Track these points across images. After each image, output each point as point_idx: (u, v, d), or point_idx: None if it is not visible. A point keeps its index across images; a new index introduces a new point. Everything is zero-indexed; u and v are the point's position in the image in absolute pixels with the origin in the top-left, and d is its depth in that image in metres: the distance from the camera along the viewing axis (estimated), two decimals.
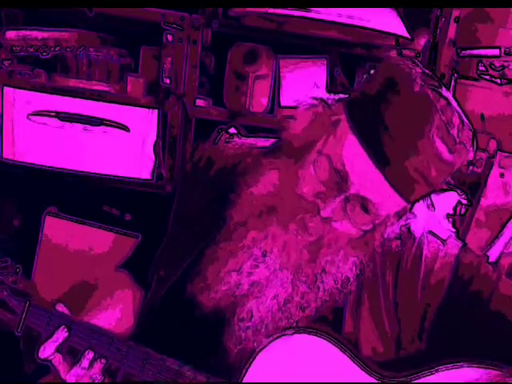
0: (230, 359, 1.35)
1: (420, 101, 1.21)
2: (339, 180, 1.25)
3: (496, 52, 2.28)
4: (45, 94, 2.30)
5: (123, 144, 2.33)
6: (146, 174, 2.35)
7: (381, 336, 1.36)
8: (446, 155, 1.22)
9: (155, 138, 2.32)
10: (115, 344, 1.34)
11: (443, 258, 1.37)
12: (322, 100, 1.31)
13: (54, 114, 2.31)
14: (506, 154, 2.30)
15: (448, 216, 1.50)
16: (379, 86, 1.23)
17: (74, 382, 1.34)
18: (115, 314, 1.47)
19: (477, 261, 1.38)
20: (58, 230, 2.25)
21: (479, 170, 2.31)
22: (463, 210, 2.27)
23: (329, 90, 1.56)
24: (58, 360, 1.35)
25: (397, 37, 2.21)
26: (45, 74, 2.30)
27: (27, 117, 2.31)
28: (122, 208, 2.38)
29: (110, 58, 2.31)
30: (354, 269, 1.32)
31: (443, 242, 1.39)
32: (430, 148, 1.20)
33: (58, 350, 1.34)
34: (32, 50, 2.27)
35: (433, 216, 1.40)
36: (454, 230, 1.43)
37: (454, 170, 1.26)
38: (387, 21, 2.22)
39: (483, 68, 2.29)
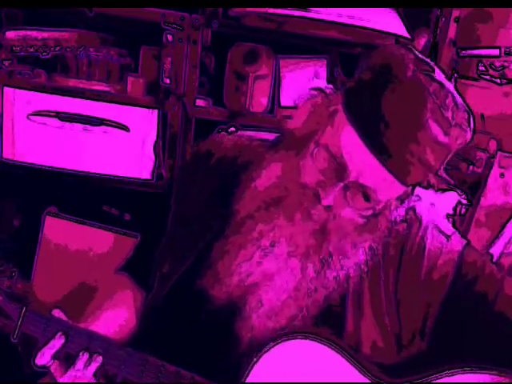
0: (241, 349, 1.35)
1: (413, 86, 1.22)
2: (338, 168, 1.26)
3: (496, 52, 2.28)
4: (45, 94, 2.30)
5: (123, 144, 2.32)
6: (146, 174, 2.35)
7: (382, 332, 1.35)
8: (442, 137, 1.22)
9: (155, 138, 2.32)
10: (113, 350, 1.33)
11: (447, 253, 1.37)
12: (320, 90, 1.32)
13: (53, 114, 2.30)
14: (506, 154, 2.29)
15: (448, 216, 1.50)
16: (373, 74, 1.24)
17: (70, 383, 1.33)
18: (116, 316, 1.46)
19: (481, 260, 1.38)
20: (57, 230, 2.25)
21: (479, 170, 2.31)
22: (463, 210, 2.27)
23: (329, 81, 1.56)
24: (54, 367, 1.34)
25: (397, 37, 2.21)
26: (45, 74, 2.29)
27: (27, 117, 2.31)
28: (121, 208, 2.38)
29: (110, 58, 2.31)
30: (361, 255, 1.33)
31: (447, 237, 1.39)
32: (425, 132, 1.21)
33: (55, 356, 1.33)
34: (32, 50, 2.27)
35: (437, 210, 1.41)
36: (454, 230, 1.43)
37: (451, 152, 1.26)
38: (387, 21, 2.23)
39: (483, 68, 2.29)
